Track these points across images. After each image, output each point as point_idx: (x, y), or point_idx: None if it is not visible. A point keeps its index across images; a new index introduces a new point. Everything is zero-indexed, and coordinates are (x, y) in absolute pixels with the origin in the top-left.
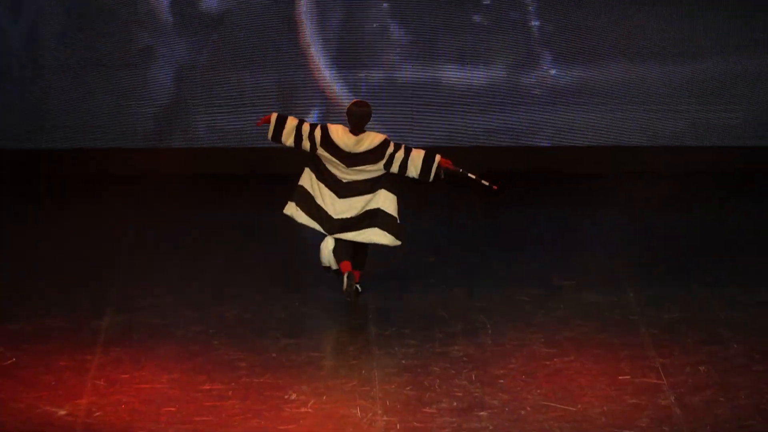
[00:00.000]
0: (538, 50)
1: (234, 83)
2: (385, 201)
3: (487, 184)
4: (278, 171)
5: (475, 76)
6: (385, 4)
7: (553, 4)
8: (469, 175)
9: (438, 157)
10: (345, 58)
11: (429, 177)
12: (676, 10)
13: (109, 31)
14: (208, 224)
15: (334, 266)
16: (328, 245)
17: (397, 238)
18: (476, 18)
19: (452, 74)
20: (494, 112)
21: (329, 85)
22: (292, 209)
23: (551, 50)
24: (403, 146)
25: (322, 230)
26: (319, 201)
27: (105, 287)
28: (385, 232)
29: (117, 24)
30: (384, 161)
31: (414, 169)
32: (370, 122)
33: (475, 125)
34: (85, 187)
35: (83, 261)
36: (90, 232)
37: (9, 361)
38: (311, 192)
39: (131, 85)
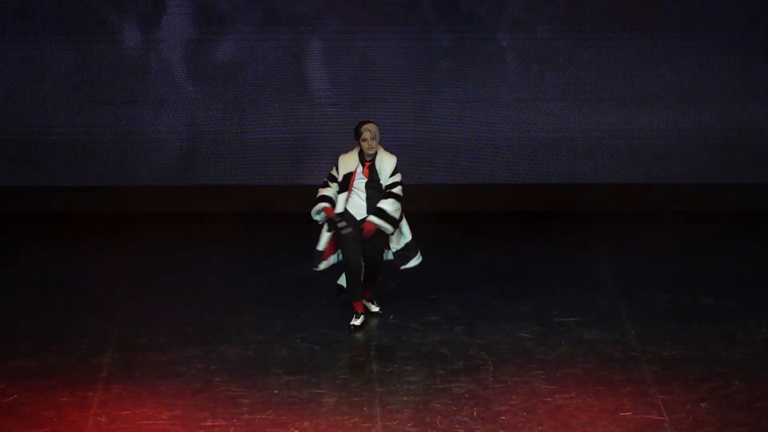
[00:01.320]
0: (547, 92)
1: (243, 127)
2: None
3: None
4: (280, 210)
5: (481, 119)
6: (398, 59)
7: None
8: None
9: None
10: (356, 107)
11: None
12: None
13: (123, 78)
14: (210, 262)
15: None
16: None
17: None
18: (482, 67)
19: (457, 119)
20: (498, 152)
21: (340, 133)
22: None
23: (561, 93)
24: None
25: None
26: None
27: (106, 324)
28: None
29: (129, 71)
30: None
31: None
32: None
33: (480, 166)
34: (86, 225)
35: (85, 298)
36: (91, 270)
37: (11, 398)
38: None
39: (139, 127)
